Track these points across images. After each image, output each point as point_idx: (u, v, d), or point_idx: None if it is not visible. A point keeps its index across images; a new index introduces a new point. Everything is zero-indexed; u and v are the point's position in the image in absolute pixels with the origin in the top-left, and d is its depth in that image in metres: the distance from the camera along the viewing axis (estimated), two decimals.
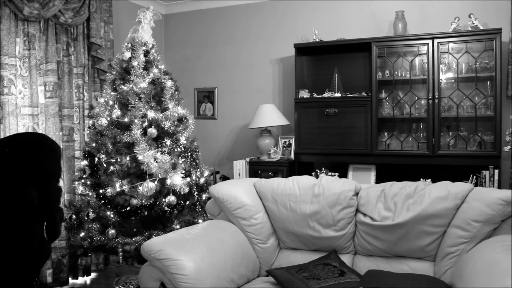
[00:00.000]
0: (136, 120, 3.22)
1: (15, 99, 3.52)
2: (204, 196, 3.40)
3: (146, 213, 3.13)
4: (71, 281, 3.96)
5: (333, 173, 4.09)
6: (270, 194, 2.69)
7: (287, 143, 4.51)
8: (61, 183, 2.78)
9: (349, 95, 4.15)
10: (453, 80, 3.85)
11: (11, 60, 3.49)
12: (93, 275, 4.16)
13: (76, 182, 3.40)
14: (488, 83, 3.71)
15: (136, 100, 3.28)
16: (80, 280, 4.04)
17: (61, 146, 3.84)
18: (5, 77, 3.44)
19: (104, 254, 4.22)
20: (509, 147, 3.43)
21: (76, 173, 3.85)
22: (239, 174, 4.50)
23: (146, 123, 3.24)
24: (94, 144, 3.35)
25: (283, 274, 2.28)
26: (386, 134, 4.03)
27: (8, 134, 3.43)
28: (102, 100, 3.43)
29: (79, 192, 3.38)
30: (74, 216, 3.32)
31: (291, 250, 2.69)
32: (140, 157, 3.14)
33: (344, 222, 2.51)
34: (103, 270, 4.27)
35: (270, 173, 4.30)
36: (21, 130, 3.59)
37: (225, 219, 2.76)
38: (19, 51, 3.57)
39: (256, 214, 2.66)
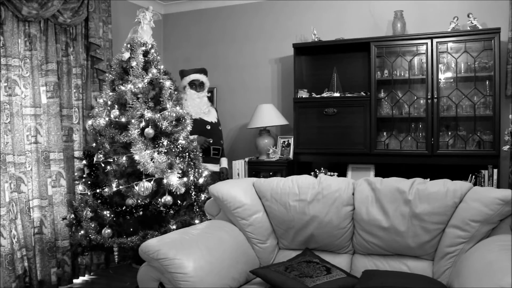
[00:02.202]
0: (133, 120, 3.23)
1: (20, 100, 3.56)
2: (202, 196, 3.40)
3: (141, 213, 3.14)
4: (74, 280, 3.97)
5: (332, 173, 4.09)
6: (270, 193, 2.69)
7: (286, 143, 4.51)
8: None
9: (348, 95, 4.16)
10: (452, 80, 3.85)
11: (15, 61, 3.52)
12: (94, 275, 4.17)
13: (76, 182, 3.41)
14: (487, 82, 3.71)
15: (134, 100, 3.28)
16: (82, 279, 4.05)
17: (62, 146, 3.86)
18: (10, 78, 3.46)
19: (104, 254, 4.24)
20: (508, 146, 3.43)
21: (76, 173, 3.86)
22: (238, 174, 4.50)
23: (143, 123, 3.24)
24: (94, 144, 3.36)
25: (272, 273, 2.25)
26: (385, 133, 4.03)
27: (13, 135, 3.47)
28: (101, 101, 3.44)
29: (79, 191, 3.39)
30: (73, 215, 3.33)
31: (290, 250, 2.69)
32: (136, 157, 3.15)
33: (343, 220, 2.51)
34: (104, 269, 4.28)
35: (270, 173, 4.30)
36: (25, 130, 3.61)
37: (223, 219, 2.76)
38: (20, 52, 3.59)
39: (255, 214, 2.66)
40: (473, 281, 1.80)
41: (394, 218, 2.37)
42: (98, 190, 3.23)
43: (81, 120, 4.08)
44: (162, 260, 2.15)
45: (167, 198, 3.16)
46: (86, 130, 4.02)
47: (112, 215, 3.18)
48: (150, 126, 3.24)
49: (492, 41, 3.59)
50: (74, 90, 4.03)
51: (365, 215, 2.46)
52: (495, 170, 3.61)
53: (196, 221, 3.25)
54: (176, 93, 3.53)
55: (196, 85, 4.07)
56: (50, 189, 3.76)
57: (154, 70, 3.42)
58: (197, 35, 5.33)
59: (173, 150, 3.31)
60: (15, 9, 3.40)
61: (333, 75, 4.35)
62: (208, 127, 4.04)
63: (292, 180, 2.70)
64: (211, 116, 4.12)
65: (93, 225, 3.21)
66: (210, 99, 5.23)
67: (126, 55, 3.48)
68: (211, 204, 2.86)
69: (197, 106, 4.02)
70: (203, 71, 4.17)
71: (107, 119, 3.34)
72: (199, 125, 3.94)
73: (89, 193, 3.29)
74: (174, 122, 3.36)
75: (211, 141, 3.97)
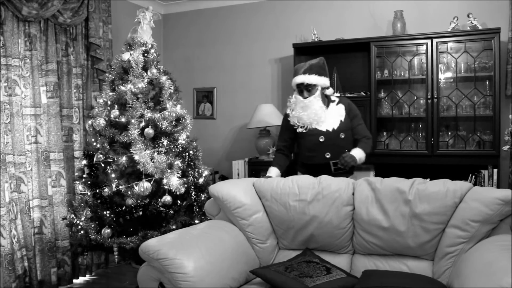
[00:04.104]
0: (133, 120, 3.23)
1: (20, 100, 3.55)
2: (202, 196, 3.40)
3: (141, 213, 3.14)
4: (74, 280, 3.97)
5: None
6: (270, 193, 2.68)
7: None
8: None
9: (348, 95, 4.15)
10: (452, 80, 3.85)
11: (15, 61, 3.51)
12: (94, 275, 4.17)
13: (77, 182, 3.42)
14: (487, 82, 3.71)
15: (134, 100, 3.28)
16: (82, 279, 4.05)
17: (62, 146, 3.86)
18: (10, 78, 3.46)
19: (104, 254, 4.24)
20: (508, 146, 3.43)
21: (76, 173, 3.87)
22: (238, 174, 4.50)
23: (143, 123, 3.25)
24: (94, 144, 3.37)
25: (272, 273, 2.25)
26: (385, 133, 4.04)
27: (13, 135, 3.47)
28: (101, 101, 3.45)
29: (79, 191, 3.40)
30: (73, 215, 3.34)
31: (290, 250, 2.69)
32: (136, 157, 3.16)
33: (343, 220, 2.51)
34: (104, 269, 4.28)
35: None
36: (25, 130, 3.61)
37: (223, 219, 2.76)
38: (20, 52, 3.59)
39: (255, 214, 2.66)
40: (473, 281, 1.80)
41: (394, 218, 2.37)
42: (98, 190, 3.24)
43: (81, 120, 4.08)
44: (162, 260, 2.15)
45: (167, 198, 3.17)
46: (86, 130, 4.03)
47: (112, 215, 3.19)
48: (150, 126, 3.25)
49: (492, 41, 3.60)
50: (74, 90, 4.03)
51: (365, 215, 2.46)
52: (495, 170, 3.61)
53: (196, 221, 3.25)
54: (176, 93, 3.54)
55: (302, 89, 3.12)
56: (50, 189, 3.76)
57: (154, 70, 3.42)
58: (197, 35, 5.33)
59: (173, 150, 3.32)
60: (15, 9, 3.40)
61: (333, 75, 4.35)
62: (322, 139, 3.10)
63: (292, 180, 2.70)
64: (328, 123, 3.13)
65: (93, 225, 3.22)
66: (210, 99, 5.25)
67: (126, 55, 3.48)
68: (211, 204, 2.85)
69: (305, 114, 3.10)
70: (312, 69, 3.11)
71: (107, 119, 3.35)
72: (310, 138, 3.14)
73: (89, 193, 3.29)
74: (174, 122, 3.37)
75: None
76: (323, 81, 3.12)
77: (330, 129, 3.12)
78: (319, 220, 2.53)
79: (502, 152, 3.62)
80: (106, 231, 3.15)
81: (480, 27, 3.77)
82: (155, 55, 3.55)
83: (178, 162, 3.26)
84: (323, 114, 3.10)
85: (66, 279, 3.87)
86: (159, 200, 3.18)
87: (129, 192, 3.16)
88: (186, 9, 5.35)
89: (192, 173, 3.42)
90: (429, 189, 2.35)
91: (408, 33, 4.12)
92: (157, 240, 2.27)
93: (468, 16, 3.81)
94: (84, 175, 3.40)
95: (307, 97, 3.09)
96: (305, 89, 3.10)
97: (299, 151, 3.27)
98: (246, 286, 2.41)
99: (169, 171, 3.19)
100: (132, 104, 3.28)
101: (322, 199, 2.54)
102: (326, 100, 3.18)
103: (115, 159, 3.24)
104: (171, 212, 3.20)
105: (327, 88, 3.18)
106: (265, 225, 2.68)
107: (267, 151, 4.43)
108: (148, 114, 3.26)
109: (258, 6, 4.96)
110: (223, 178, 4.76)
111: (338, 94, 3.18)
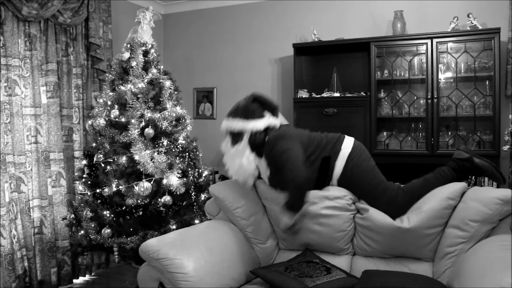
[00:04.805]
0: (133, 120, 3.24)
1: (20, 100, 3.56)
2: (202, 196, 3.41)
3: (141, 213, 3.15)
4: (74, 280, 3.97)
5: None
6: (270, 193, 2.68)
7: None
8: None
9: (348, 95, 4.15)
10: (452, 80, 3.85)
11: (15, 61, 3.52)
12: (94, 275, 4.17)
13: (77, 182, 3.43)
14: (487, 82, 3.71)
15: (134, 100, 3.29)
16: (82, 279, 4.05)
17: (62, 146, 3.86)
18: (10, 78, 3.47)
19: (105, 254, 4.25)
20: (508, 146, 3.43)
21: (76, 173, 3.87)
22: None
23: (143, 123, 3.25)
24: (94, 144, 3.38)
25: (272, 273, 2.25)
26: (385, 133, 4.03)
27: (13, 135, 3.47)
28: (101, 100, 3.46)
29: (79, 191, 3.40)
30: (73, 215, 3.34)
31: (290, 251, 2.68)
32: (136, 157, 3.16)
33: (344, 223, 2.50)
34: (104, 269, 4.28)
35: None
36: (25, 130, 3.61)
37: (224, 219, 2.76)
38: (20, 52, 3.59)
39: (255, 214, 2.65)
40: (473, 281, 1.80)
41: (393, 221, 2.36)
42: (98, 190, 3.24)
43: (81, 120, 4.08)
44: (162, 260, 2.15)
45: (167, 198, 3.17)
46: (86, 130, 4.03)
47: (112, 215, 3.19)
48: (150, 126, 3.25)
49: (492, 41, 3.59)
50: (74, 90, 4.03)
51: (365, 218, 2.46)
52: None
53: (196, 221, 3.25)
54: (176, 93, 3.54)
55: (230, 135, 2.52)
56: (50, 189, 3.76)
57: (154, 70, 3.43)
58: (197, 35, 5.33)
59: (173, 150, 3.32)
60: (15, 9, 3.41)
61: (333, 75, 4.35)
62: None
63: None
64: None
65: (93, 225, 3.23)
66: (210, 99, 5.25)
67: (126, 55, 3.49)
68: (211, 204, 2.85)
69: (232, 166, 2.52)
70: (237, 112, 2.47)
71: (107, 119, 3.35)
72: None
73: (89, 193, 3.30)
74: (174, 122, 3.37)
75: None
76: (252, 125, 2.41)
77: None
78: (319, 221, 2.52)
79: (502, 152, 3.62)
80: (106, 231, 3.15)
81: (480, 27, 3.77)
82: (155, 55, 3.55)
83: (178, 162, 3.27)
84: (252, 170, 2.48)
85: (66, 279, 3.87)
86: (159, 200, 3.18)
87: (129, 192, 3.17)
88: (186, 9, 5.35)
89: (192, 173, 3.42)
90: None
91: (408, 33, 4.12)
92: (157, 240, 2.28)
93: (468, 16, 3.81)
94: (84, 175, 3.40)
95: (233, 145, 2.49)
96: (231, 136, 2.49)
97: None
98: (246, 286, 2.40)
99: (169, 171, 3.20)
100: (132, 104, 3.29)
101: (323, 201, 2.54)
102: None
103: (115, 159, 3.24)
104: (171, 212, 3.20)
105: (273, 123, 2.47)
106: (265, 226, 2.68)
107: None
108: (148, 114, 3.26)
109: (258, 6, 4.96)
110: (223, 178, 4.75)
111: (277, 125, 2.49)
